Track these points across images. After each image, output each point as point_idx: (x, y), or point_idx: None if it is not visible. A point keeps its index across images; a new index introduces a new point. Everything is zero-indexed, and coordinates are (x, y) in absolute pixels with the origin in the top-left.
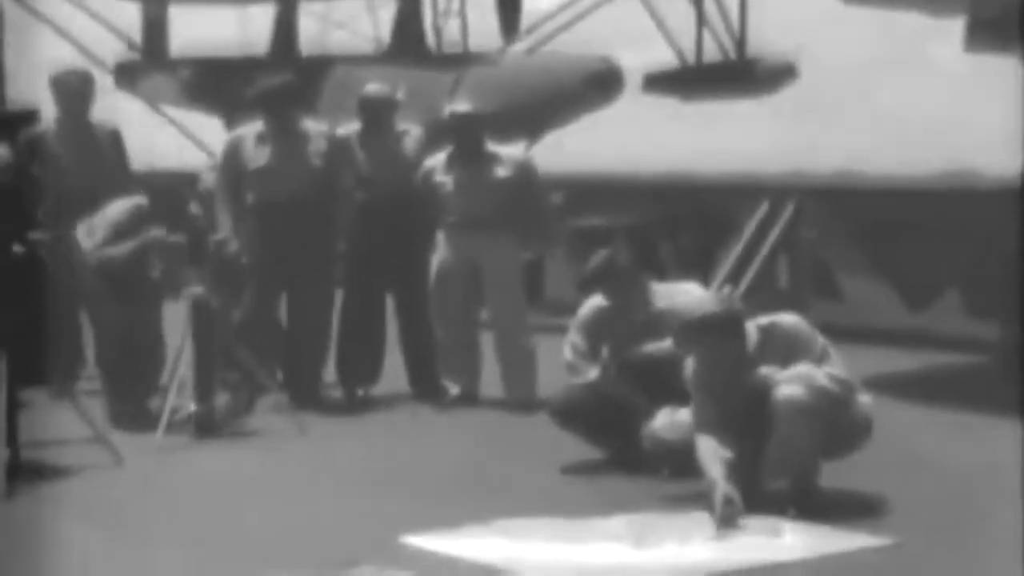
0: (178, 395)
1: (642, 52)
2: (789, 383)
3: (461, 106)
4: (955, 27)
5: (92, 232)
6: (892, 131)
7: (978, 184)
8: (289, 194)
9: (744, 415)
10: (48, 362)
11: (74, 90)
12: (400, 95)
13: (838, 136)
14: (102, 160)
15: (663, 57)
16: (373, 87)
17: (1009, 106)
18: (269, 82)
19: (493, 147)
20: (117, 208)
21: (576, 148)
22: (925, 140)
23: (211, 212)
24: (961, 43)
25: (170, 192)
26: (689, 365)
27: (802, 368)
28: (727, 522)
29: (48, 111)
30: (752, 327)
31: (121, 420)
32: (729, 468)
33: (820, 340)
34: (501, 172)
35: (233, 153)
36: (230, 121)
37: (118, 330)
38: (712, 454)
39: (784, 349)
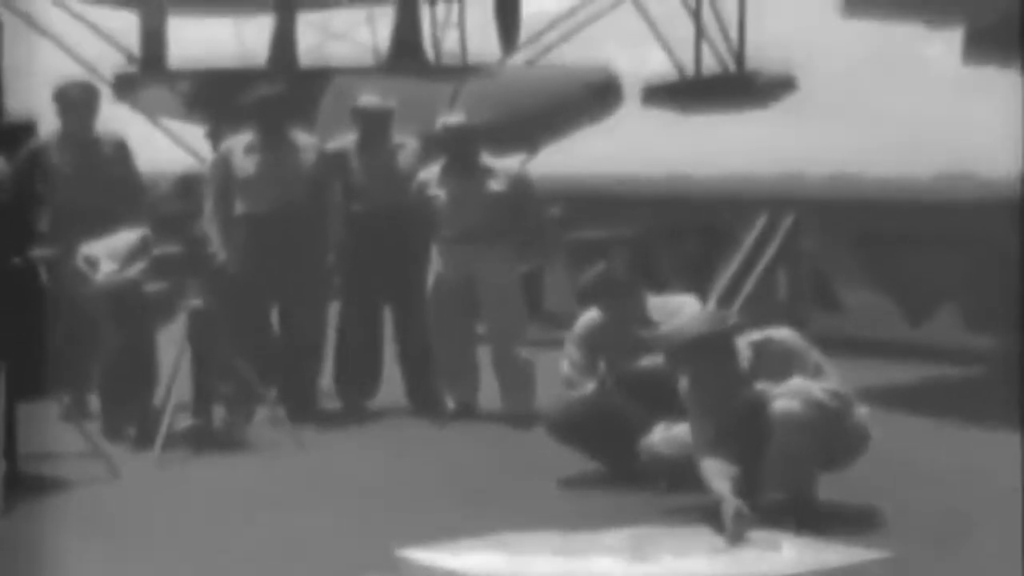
0: (175, 408)
1: (640, 59)
2: (785, 397)
3: (453, 118)
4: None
5: (94, 263)
6: (890, 134)
7: (976, 189)
8: (278, 205)
9: (740, 430)
10: (47, 376)
11: (78, 102)
12: (393, 104)
13: (836, 140)
14: (108, 173)
15: (660, 59)
16: (368, 98)
17: (1006, 107)
18: (260, 92)
19: (487, 160)
20: (122, 240)
21: (575, 152)
22: (923, 143)
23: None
24: (960, 56)
25: (170, 203)
26: (684, 382)
27: (798, 382)
28: (738, 536)
29: (47, 123)
30: (744, 343)
31: (117, 435)
32: (735, 483)
33: (814, 354)
34: (495, 185)
35: (222, 163)
36: (216, 132)
37: (115, 346)
38: (717, 471)
39: (778, 364)
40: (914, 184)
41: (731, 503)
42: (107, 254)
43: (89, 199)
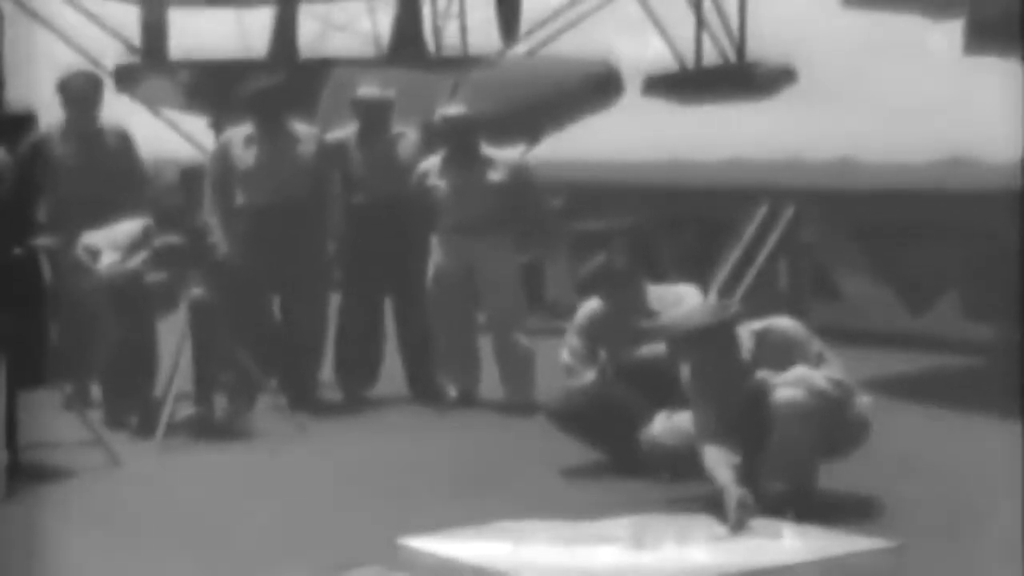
0: (176, 397)
1: (641, 49)
2: (788, 386)
3: (453, 109)
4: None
5: (97, 253)
6: (890, 120)
7: (977, 178)
8: (278, 196)
9: (742, 419)
10: (49, 365)
11: (81, 93)
12: (393, 95)
13: (837, 126)
14: (111, 164)
15: (660, 49)
16: (367, 89)
17: (1008, 92)
18: (258, 83)
19: (488, 150)
20: (124, 230)
21: (575, 138)
22: (924, 127)
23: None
24: (960, 47)
25: (172, 195)
26: (685, 371)
27: (800, 371)
28: (741, 525)
29: (47, 114)
30: (746, 332)
31: (119, 423)
32: (738, 472)
33: (816, 343)
34: (495, 176)
35: (222, 155)
36: (218, 123)
37: (116, 336)
38: (719, 460)
39: (780, 353)
40: (915, 171)
41: (734, 492)
42: (108, 244)
43: (92, 190)
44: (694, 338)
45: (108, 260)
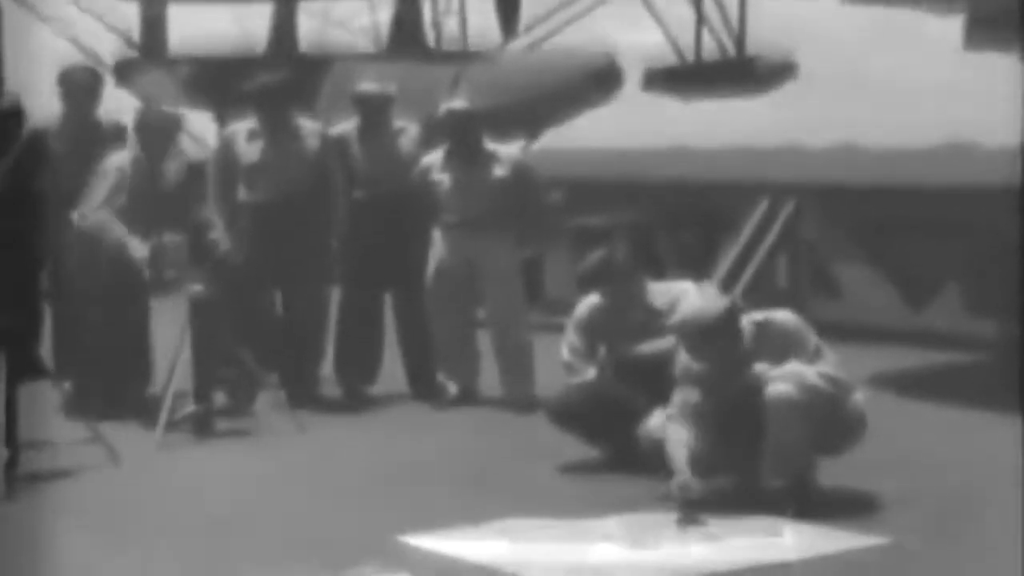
0: (176, 393)
1: (640, 43)
2: (780, 381)
3: (457, 103)
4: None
5: (90, 193)
6: (890, 104)
7: (976, 171)
8: (282, 192)
9: (737, 412)
10: (45, 359)
11: (80, 87)
12: (393, 90)
13: (837, 110)
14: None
15: (660, 42)
16: (368, 84)
17: (1006, 79)
18: (263, 78)
19: (490, 145)
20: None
21: (575, 128)
22: (923, 112)
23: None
24: (960, 41)
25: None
26: (681, 358)
27: (793, 366)
28: (687, 508)
29: (46, 109)
30: (747, 322)
31: (117, 418)
32: (692, 456)
33: (813, 338)
34: (498, 171)
35: (226, 150)
36: (222, 118)
37: (112, 327)
38: (680, 441)
39: (778, 346)
40: (915, 157)
41: (681, 473)
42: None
43: (86, 182)
44: (713, 329)
45: (93, 196)
